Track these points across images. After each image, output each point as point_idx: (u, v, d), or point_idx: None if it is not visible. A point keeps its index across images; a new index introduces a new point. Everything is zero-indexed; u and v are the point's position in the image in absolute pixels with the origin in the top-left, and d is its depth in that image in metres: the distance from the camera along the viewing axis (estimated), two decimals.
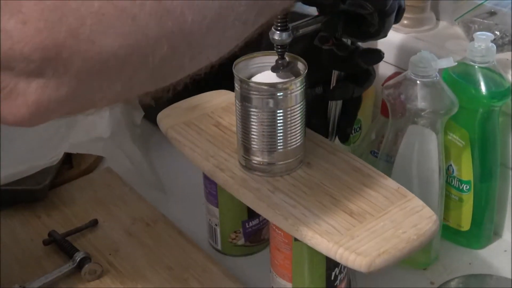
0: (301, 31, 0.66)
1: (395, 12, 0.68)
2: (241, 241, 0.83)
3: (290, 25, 0.64)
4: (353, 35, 0.68)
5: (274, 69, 0.66)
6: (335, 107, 0.76)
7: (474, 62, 0.77)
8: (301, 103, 0.66)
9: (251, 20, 0.47)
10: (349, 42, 0.71)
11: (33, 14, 0.38)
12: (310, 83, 0.70)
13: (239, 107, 0.66)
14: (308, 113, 0.72)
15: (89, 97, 0.43)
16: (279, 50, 0.65)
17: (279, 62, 0.66)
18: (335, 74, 0.72)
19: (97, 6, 0.39)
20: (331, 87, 0.74)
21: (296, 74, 0.66)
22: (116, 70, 0.42)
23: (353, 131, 0.91)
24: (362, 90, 0.72)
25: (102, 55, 0.40)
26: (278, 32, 0.64)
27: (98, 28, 0.39)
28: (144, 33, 0.41)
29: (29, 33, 0.38)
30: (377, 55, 0.71)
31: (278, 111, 0.64)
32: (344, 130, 0.76)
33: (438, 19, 0.92)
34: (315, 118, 0.74)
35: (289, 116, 0.65)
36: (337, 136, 0.78)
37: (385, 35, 0.69)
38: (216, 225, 0.83)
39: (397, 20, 0.70)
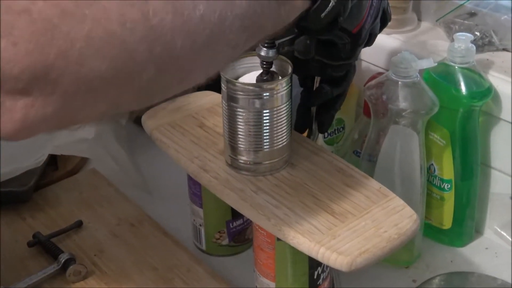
0: (286, 48, 0.66)
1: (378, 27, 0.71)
2: (225, 241, 0.83)
3: (277, 42, 0.64)
4: (325, 57, 0.68)
5: (258, 81, 0.67)
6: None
7: (454, 62, 0.78)
8: (287, 103, 0.66)
9: (241, 44, 0.48)
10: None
11: (24, 36, 0.39)
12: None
13: (226, 107, 0.67)
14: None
15: (74, 115, 0.44)
16: (264, 65, 0.66)
17: (264, 77, 0.66)
18: (317, 79, 0.73)
19: (87, 30, 0.40)
20: (316, 85, 0.73)
21: (282, 74, 0.66)
22: (102, 91, 0.43)
23: (336, 131, 0.92)
24: (341, 89, 0.73)
25: (89, 76, 0.41)
26: (265, 49, 0.64)
27: (87, 51, 0.41)
28: (132, 56, 0.42)
29: (19, 54, 0.39)
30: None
31: (264, 111, 0.65)
32: (323, 118, 0.75)
33: (419, 19, 0.93)
34: (297, 118, 0.75)
35: (275, 116, 0.66)
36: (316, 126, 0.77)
37: (356, 59, 0.71)
38: (200, 225, 0.83)
39: (381, 29, 0.72)
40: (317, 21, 0.57)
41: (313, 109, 0.75)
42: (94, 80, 0.42)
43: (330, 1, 0.57)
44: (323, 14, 0.57)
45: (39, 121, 0.42)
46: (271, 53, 0.64)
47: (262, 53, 0.64)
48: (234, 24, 0.46)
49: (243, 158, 0.68)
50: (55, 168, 0.96)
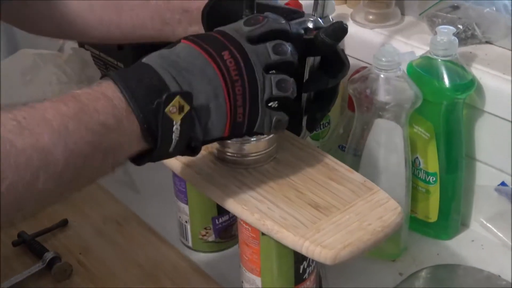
0: None
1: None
2: (211, 238, 0.83)
3: None
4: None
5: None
6: (308, 94, 0.73)
7: (437, 55, 0.78)
8: None
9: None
10: (311, 25, 0.69)
11: None
12: None
13: None
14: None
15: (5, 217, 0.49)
16: None
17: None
18: (308, 65, 0.72)
19: None
20: (305, 80, 0.73)
21: None
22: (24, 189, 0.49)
23: (322, 126, 0.92)
24: (336, 80, 0.72)
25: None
26: None
27: None
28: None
29: None
30: (341, 28, 0.66)
31: None
32: (314, 115, 0.74)
33: (403, 14, 0.93)
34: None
35: None
36: (305, 123, 0.75)
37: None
38: (186, 222, 0.83)
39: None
40: (167, 156, 0.58)
41: (303, 103, 0.74)
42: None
43: (172, 139, 0.56)
44: (170, 149, 0.57)
45: None
46: None
47: None
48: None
49: (230, 150, 0.67)
50: None
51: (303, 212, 0.62)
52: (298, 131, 0.74)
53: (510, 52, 0.83)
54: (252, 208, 0.63)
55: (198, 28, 0.75)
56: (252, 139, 0.67)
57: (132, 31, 0.78)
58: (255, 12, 0.67)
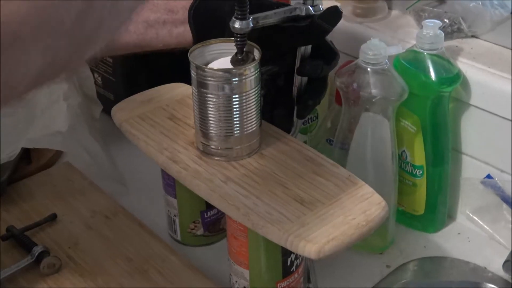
0: (260, 23, 0.66)
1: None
2: (200, 231, 0.84)
3: (251, 16, 0.65)
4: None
5: (233, 63, 0.67)
6: (299, 83, 0.73)
7: (423, 49, 0.78)
8: (256, 88, 0.66)
9: None
10: (303, 12, 0.69)
11: None
12: (272, 74, 0.71)
13: (196, 94, 0.67)
14: (272, 105, 0.73)
15: (9, 78, 0.39)
16: (238, 39, 0.65)
17: (238, 57, 0.66)
18: (299, 54, 0.72)
19: None
20: (298, 65, 0.73)
21: (251, 60, 0.67)
22: (30, 38, 0.38)
23: (309, 120, 0.92)
24: (329, 68, 0.71)
25: (10, 25, 0.37)
26: (238, 21, 0.64)
27: None
28: None
29: None
30: (336, 13, 0.68)
31: (234, 96, 0.65)
32: (306, 101, 0.73)
33: (390, 8, 0.93)
34: (278, 109, 0.74)
35: (244, 101, 0.66)
36: (296, 110, 0.75)
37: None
38: (175, 216, 0.84)
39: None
40: None
41: (294, 96, 0.74)
42: (17, 27, 0.37)
43: None
44: None
45: None
46: (244, 24, 0.64)
47: (236, 25, 0.64)
48: None
49: (214, 143, 0.68)
50: (29, 162, 0.95)
51: (288, 206, 0.63)
52: (289, 126, 0.75)
53: (495, 46, 0.84)
54: (237, 203, 0.63)
55: (183, 29, 0.75)
56: (235, 133, 0.67)
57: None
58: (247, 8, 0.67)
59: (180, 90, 0.79)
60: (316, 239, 0.59)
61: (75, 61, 0.44)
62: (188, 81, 0.76)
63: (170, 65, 0.88)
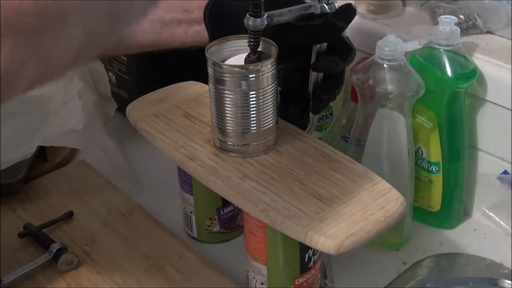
0: (275, 20, 0.66)
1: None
2: (216, 228, 0.84)
3: (265, 13, 0.65)
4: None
5: (247, 63, 0.67)
6: (315, 79, 0.73)
7: (439, 45, 0.78)
8: (273, 84, 0.67)
9: None
10: (318, 10, 0.69)
11: None
12: (288, 71, 0.71)
13: (213, 90, 0.67)
14: (288, 101, 0.73)
15: (53, 53, 0.39)
16: (252, 37, 0.66)
17: (251, 57, 0.67)
18: (314, 50, 0.72)
19: None
20: (313, 61, 0.73)
21: (268, 56, 0.67)
22: (73, 10, 0.39)
23: (324, 117, 0.92)
24: (345, 64, 0.72)
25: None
26: (253, 18, 0.64)
27: None
28: None
29: None
30: (350, 10, 0.68)
31: (251, 93, 0.66)
32: (320, 96, 0.73)
33: (404, 5, 0.93)
34: (294, 106, 0.74)
35: (261, 97, 0.66)
36: (311, 104, 0.74)
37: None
38: (191, 213, 0.84)
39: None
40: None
41: (310, 93, 0.74)
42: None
43: None
44: None
45: (11, 68, 0.37)
46: (259, 21, 0.64)
47: (250, 22, 0.64)
48: None
49: (231, 140, 0.68)
50: (44, 160, 0.96)
51: (306, 203, 0.63)
52: (305, 123, 0.75)
53: (511, 41, 0.83)
54: (255, 199, 0.63)
55: (199, 28, 0.75)
56: (252, 129, 0.67)
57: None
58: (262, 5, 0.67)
59: (194, 88, 0.80)
60: (335, 234, 0.59)
61: (105, 41, 0.44)
62: (201, 79, 0.76)
63: (184, 64, 0.88)
